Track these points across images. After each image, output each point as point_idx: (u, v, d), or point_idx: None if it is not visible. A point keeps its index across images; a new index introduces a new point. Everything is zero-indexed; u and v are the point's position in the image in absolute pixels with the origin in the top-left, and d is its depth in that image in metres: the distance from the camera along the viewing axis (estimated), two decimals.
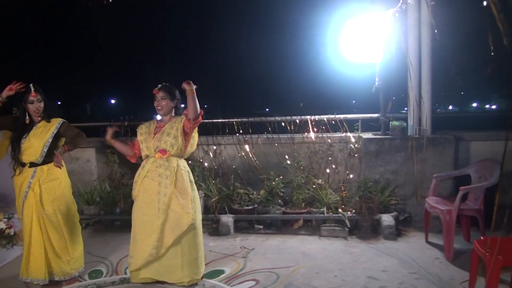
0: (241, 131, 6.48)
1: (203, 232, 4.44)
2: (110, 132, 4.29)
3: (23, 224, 4.24)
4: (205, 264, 4.40)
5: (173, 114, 4.20)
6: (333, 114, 6.31)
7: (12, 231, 4.96)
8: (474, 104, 35.97)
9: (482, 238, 3.78)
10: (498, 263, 3.34)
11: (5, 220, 5.04)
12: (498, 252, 3.38)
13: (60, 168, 4.19)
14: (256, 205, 5.93)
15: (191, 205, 4.01)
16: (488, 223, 4.84)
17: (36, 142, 4.16)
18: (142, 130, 4.22)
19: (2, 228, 4.98)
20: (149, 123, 4.26)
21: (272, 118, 6.50)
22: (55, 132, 4.24)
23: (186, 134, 4.09)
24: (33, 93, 4.14)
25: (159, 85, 4.16)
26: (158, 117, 4.30)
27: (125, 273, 4.60)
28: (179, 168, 4.05)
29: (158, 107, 4.13)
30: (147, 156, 4.15)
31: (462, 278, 4.05)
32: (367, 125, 6.43)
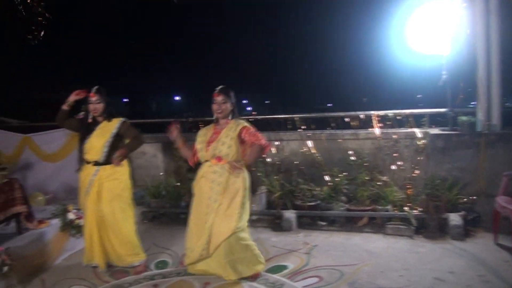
0: (303, 127, 6.45)
1: (265, 227, 4.48)
2: (175, 131, 4.26)
3: (85, 216, 4.49)
4: (268, 259, 4.43)
5: (229, 118, 4.17)
6: (397, 109, 6.16)
7: (81, 222, 5.20)
8: None
9: None
10: None
11: (75, 211, 5.29)
12: None
13: (118, 165, 4.38)
14: (319, 201, 5.90)
15: (237, 212, 4.02)
16: None
17: (97, 142, 4.36)
18: (200, 139, 4.20)
19: (71, 219, 5.24)
20: (206, 130, 4.25)
21: (336, 114, 6.42)
22: (115, 132, 4.42)
23: (243, 142, 4.09)
24: (92, 94, 4.34)
25: (219, 88, 4.11)
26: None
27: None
28: (232, 176, 4.05)
29: (218, 111, 4.09)
30: (203, 160, 4.20)
31: None
32: (434, 120, 6.23)
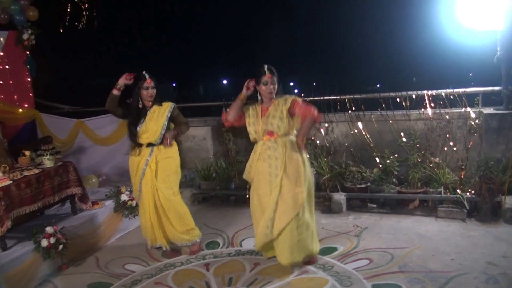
0: (353, 108, 6.38)
1: (315, 209, 4.47)
2: (251, 86, 4.09)
3: (142, 198, 4.59)
4: (318, 241, 4.45)
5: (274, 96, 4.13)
6: (449, 88, 5.99)
7: (134, 203, 5.39)
8: None
9: None
10: None
11: (128, 192, 5.48)
12: None
13: (171, 146, 4.51)
14: (369, 184, 5.85)
15: (304, 184, 4.00)
16: None
17: (153, 126, 4.47)
18: (250, 112, 4.17)
19: (125, 200, 5.42)
20: (253, 107, 4.19)
21: (386, 94, 6.29)
22: (168, 115, 4.52)
23: (293, 115, 4.06)
24: (148, 80, 4.41)
25: (268, 68, 4.05)
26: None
27: (240, 245, 4.82)
28: (288, 149, 4.02)
29: (271, 92, 4.05)
30: (255, 140, 4.19)
31: None
32: (488, 100, 6.01)
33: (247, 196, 5.22)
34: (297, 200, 3.96)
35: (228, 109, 4.24)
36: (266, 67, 4.06)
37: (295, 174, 4.00)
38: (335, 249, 4.56)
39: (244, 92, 4.07)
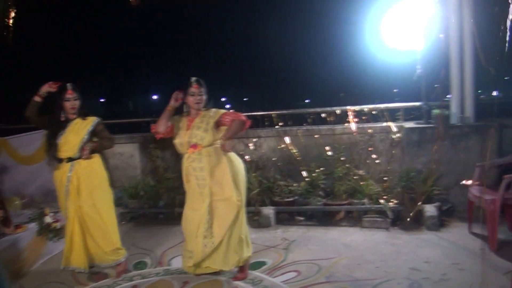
0: (281, 123, 6.49)
1: None
2: (180, 98, 4.07)
3: (67, 217, 4.38)
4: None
5: (202, 108, 4.14)
6: (374, 103, 6.24)
7: (58, 225, 5.17)
8: None
9: None
10: None
11: (52, 214, 5.26)
12: None
13: (89, 158, 4.34)
14: (297, 197, 5.95)
15: (234, 189, 4.00)
16: None
17: (73, 138, 4.30)
18: (177, 124, 4.15)
19: (49, 222, 5.20)
20: (181, 119, 4.17)
21: (312, 110, 6.46)
22: (90, 129, 4.38)
23: (221, 126, 4.08)
24: (69, 91, 4.28)
25: (195, 80, 4.09)
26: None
27: (169, 264, 4.73)
28: (213, 157, 4.02)
29: (198, 103, 4.07)
30: (182, 153, 4.16)
31: (506, 269, 3.97)
32: (409, 114, 6.31)
33: (177, 213, 5.16)
34: (230, 204, 3.98)
35: (157, 121, 4.18)
36: (193, 78, 4.09)
37: (223, 179, 4.01)
38: (264, 263, 4.57)
39: (172, 103, 4.04)
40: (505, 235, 4.74)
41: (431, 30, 5.71)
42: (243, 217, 4.16)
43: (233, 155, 4.18)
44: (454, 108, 5.85)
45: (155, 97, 39.70)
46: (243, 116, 4.04)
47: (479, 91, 6.11)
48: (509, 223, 4.91)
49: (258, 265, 4.52)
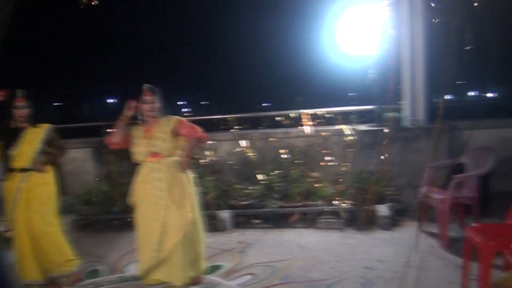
0: (237, 127, 6.49)
1: None
2: (132, 106, 3.99)
3: (15, 228, 4.25)
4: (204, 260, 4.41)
5: (158, 116, 4.08)
6: (330, 107, 6.33)
7: (10, 234, 4.98)
8: (472, 93, 36.14)
9: (475, 225, 3.81)
10: (491, 249, 3.38)
11: (3, 223, 5.06)
12: (491, 238, 3.43)
13: (43, 171, 4.25)
14: (253, 200, 5.95)
15: (189, 204, 3.98)
16: (483, 211, 4.92)
17: (26, 149, 4.20)
18: (134, 133, 4.09)
19: (1, 231, 5.01)
20: (138, 127, 4.11)
21: (267, 113, 6.51)
22: (44, 138, 4.29)
23: (178, 136, 4.04)
24: (19, 99, 4.17)
25: (148, 87, 4.02)
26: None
27: (124, 272, 4.66)
28: (172, 169, 3.98)
29: (153, 110, 4.01)
30: (140, 161, 4.09)
31: (456, 265, 4.08)
32: (364, 117, 6.44)
33: (131, 219, 5.07)
34: (183, 220, 3.92)
35: (112, 132, 4.11)
36: (146, 86, 4.02)
37: (180, 194, 3.96)
38: (220, 267, 4.56)
39: (125, 113, 3.98)
40: (456, 232, 4.87)
41: (384, 36, 5.83)
42: (199, 234, 4.12)
43: (191, 176, 4.14)
44: (406, 111, 6.00)
45: (110, 101, 39.12)
46: (199, 131, 4.00)
47: (434, 95, 6.29)
48: (460, 221, 5.07)
49: (214, 269, 4.50)
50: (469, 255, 3.67)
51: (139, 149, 4.02)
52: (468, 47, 5.26)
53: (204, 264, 4.23)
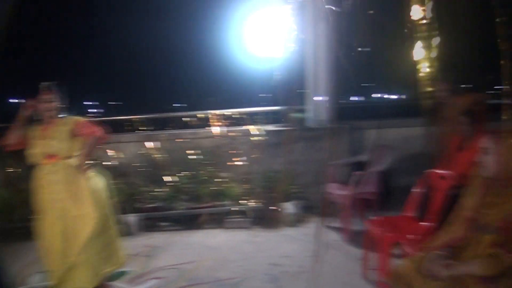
0: (143, 128, 6.38)
1: None
2: (29, 106, 3.81)
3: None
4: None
5: (56, 116, 3.91)
6: (243, 107, 6.38)
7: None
8: (378, 95, 37.92)
9: (374, 218, 4.02)
10: (389, 240, 3.58)
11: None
12: (389, 230, 3.63)
13: None
14: (160, 203, 5.87)
15: (91, 204, 3.82)
16: (383, 205, 5.19)
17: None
18: (30, 134, 3.87)
19: None
20: (34, 128, 3.91)
21: (175, 114, 6.46)
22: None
23: (76, 136, 3.87)
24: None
25: (45, 85, 3.84)
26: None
27: (26, 283, 4.45)
28: (70, 172, 3.82)
29: (50, 110, 3.83)
30: (36, 164, 3.89)
31: (358, 256, 4.27)
32: (272, 118, 6.55)
33: (33, 227, 4.82)
34: (86, 222, 3.77)
35: (8, 133, 3.87)
36: (43, 84, 3.84)
37: (79, 196, 3.80)
38: (126, 272, 4.44)
39: (22, 112, 3.78)
40: (358, 226, 5.05)
41: (289, 39, 5.97)
42: (111, 231, 4.00)
43: (92, 176, 3.98)
44: (310, 112, 6.18)
45: (12, 100, 36.93)
46: (98, 131, 3.86)
47: (340, 96, 6.53)
48: (361, 215, 5.30)
49: (119, 275, 4.37)
50: (369, 247, 3.86)
51: (35, 150, 3.83)
52: (365, 49, 5.54)
53: (123, 257, 4.09)
